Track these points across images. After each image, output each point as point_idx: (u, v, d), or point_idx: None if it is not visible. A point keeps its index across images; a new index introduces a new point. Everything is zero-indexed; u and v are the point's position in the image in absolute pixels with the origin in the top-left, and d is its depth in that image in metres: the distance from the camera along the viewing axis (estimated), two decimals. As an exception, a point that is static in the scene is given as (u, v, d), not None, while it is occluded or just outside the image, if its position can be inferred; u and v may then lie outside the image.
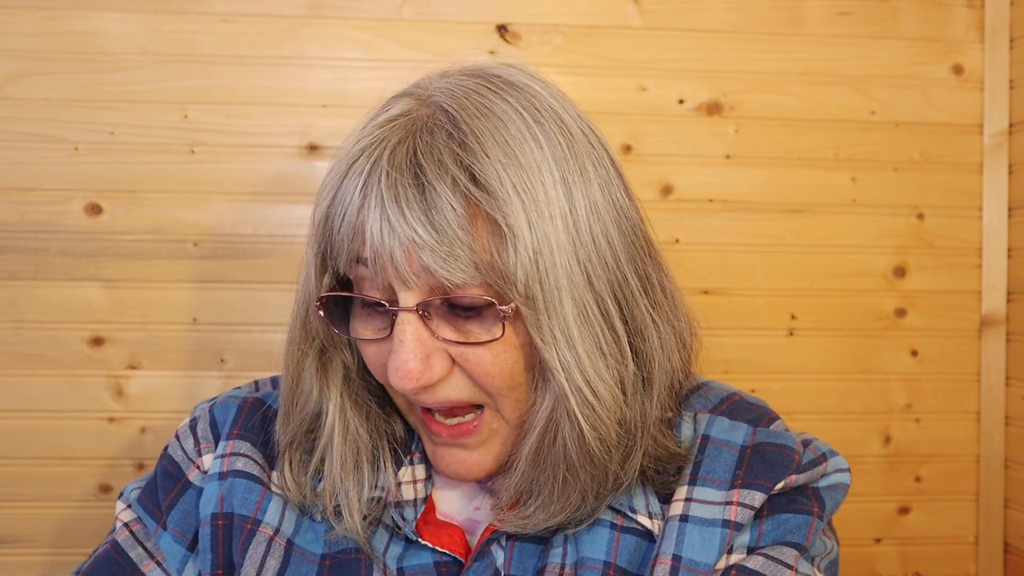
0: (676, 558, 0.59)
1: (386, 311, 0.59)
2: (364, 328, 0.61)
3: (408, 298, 0.57)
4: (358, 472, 0.65)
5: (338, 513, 0.64)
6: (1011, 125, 1.21)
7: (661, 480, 0.63)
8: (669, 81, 1.19)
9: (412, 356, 0.57)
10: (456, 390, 0.60)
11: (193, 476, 0.69)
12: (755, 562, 0.59)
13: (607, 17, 1.18)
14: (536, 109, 0.59)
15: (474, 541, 0.66)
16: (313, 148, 1.14)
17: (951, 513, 1.24)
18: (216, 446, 0.69)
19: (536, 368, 0.59)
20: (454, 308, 0.58)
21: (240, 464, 0.67)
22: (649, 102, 1.19)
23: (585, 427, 0.57)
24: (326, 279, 0.62)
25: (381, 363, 0.61)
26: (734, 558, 0.60)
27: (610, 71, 1.18)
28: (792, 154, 1.20)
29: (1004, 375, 1.22)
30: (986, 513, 1.22)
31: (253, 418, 0.70)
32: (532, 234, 0.55)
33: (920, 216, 1.22)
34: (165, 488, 0.69)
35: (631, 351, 0.60)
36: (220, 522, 0.65)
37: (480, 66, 0.62)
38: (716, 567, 0.60)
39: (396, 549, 0.65)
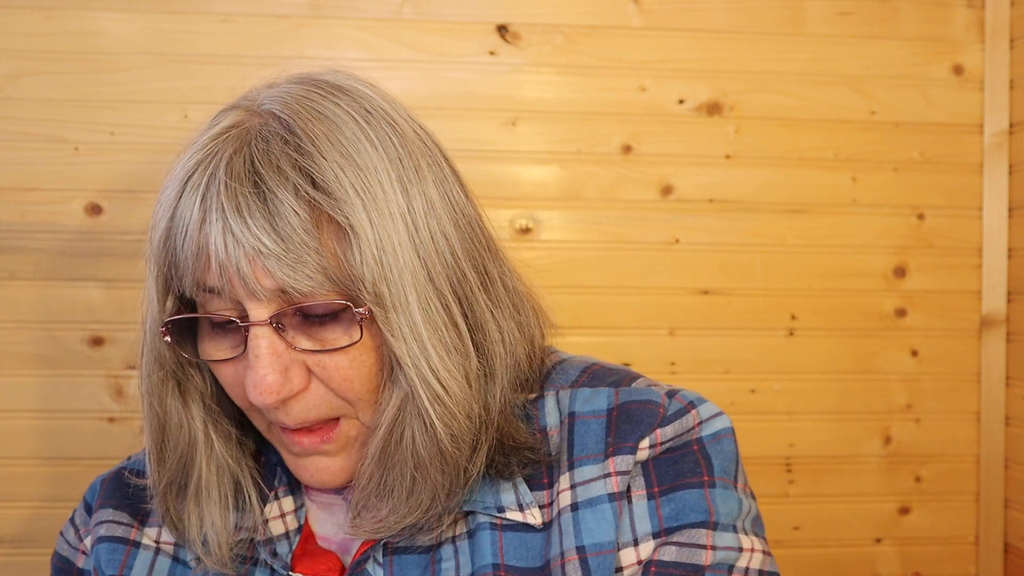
0: (580, 549, 0.59)
1: (238, 328, 0.58)
2: (215, 349, 0.60)
3: (260, 311, 0.56)
4: (223, 503, 0.64)
5: (205, 545, 0.63)
6: (1011, 125, 1.21)
7: (519, 472, 0.62)
8: (669, 81, 1.19)
9: (270, 370, 0.56)
10: (315, 407, 0.59)
11: (82, 563, 0.69)
12: (668, 553, 0.58)
13: (607, 17, 1.18)
14: (367, 111, 0.59)
15: (349, 561, 0.64)
16: (313, 148, 1.14)
17: (951, 513, 1.24)
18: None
19: (386, 368, 0.59)
20: (308, 317, 0.57)
21: (103, 531, 0.67)
22: (649, 102, 1.19)
23: (437, 422, 0.57)
24: (169, 302, 0.60)
25: (239, 383, 0.60)
26: (644, 550, 0.59)
27: (610, 71, 1.18)
28: (792, 154, 1.20)
29: (1004, 375, 1.22)
30: (986, 513, 1.22)
31: (117, 483, 0.70)
32: (374, 232, 0.55)
33: (920, 216, 1.22)
34: None
35: (473, 346, 0.60)
36: None
37: (307, 74, 0.62)
38: (621, 556, 0.59)
39: None
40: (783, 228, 1.20)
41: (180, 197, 0.57)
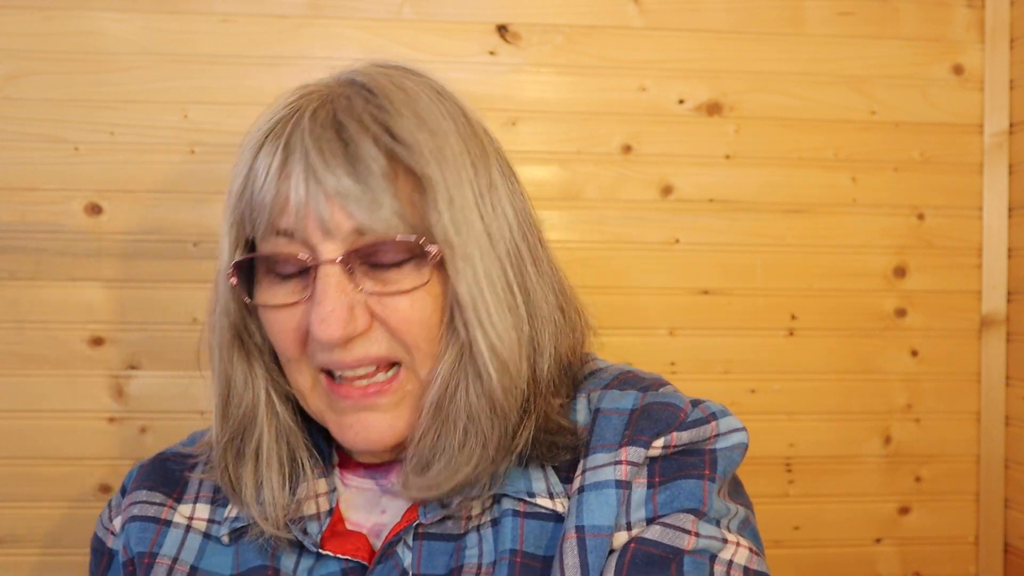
0: (579, 529, 0.59)
1: (303, 273, 0.61)
2: (272, 296, 0.62)
3: (331, 250, 0.59)
4: (280, 469, 0.66)
5: (262, 507, 0.65)
6: (1011, 125, 1.21)
7: (558, 457, 0.64)
8: (669, 81, 1.19)
9: (338, 304, 0.58)
10: (376, 344, 0.61)
11: (112, 543, 0.72)
12: (653, 532, 0.59)
13: (607, 17, 1.18)
14: (438, 92, 0.64)
15: (379, 545, 0.65)
16: (313, 148, 1.14)
17: (951, 513, 1.24)
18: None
19: (446, 320, 0.61)
20: (375, 266, 0.60)
21: (136, 510, 0.69)
22: (649, 102, 1.19)
23: (492, 372, 0.59)
24: (239, 253, 0.63)
25: (292, 329, 0.61)
26: (635, 532, 0.60)
27: (610, 71, 1.18)
28: (792, 154, 1.20)
29: (1004, 375, 1.22)
30: (986, 513, 1.22)
31: (154, 467, 0.72)
32: (446, 187, 0.59)
33: (920, 216, 1.22)
34: (95, 565, 0.72)
35: (526, 314, 0.63)
36: (130, 568, 0.67)
37: (380, 60, 0.67)
38: (615, 538, 0.60)
39: (307, 562, 0.65)
40: (783, 228, 1.20)
41: (260, 148, 0.61)
